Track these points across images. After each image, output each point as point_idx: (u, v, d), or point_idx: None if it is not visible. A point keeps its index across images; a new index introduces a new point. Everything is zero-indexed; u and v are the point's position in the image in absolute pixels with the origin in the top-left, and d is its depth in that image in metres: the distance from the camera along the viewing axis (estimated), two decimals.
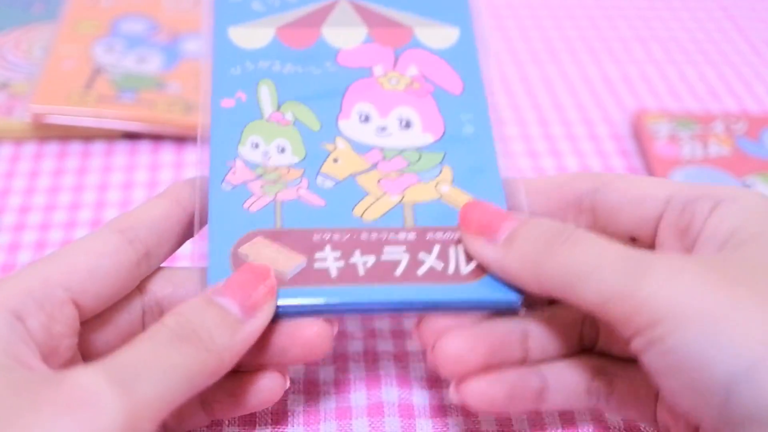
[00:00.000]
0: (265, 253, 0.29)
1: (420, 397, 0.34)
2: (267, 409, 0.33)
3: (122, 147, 0.46)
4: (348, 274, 0.29)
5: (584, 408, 0.32)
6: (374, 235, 0.30)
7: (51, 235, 0.41)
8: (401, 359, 0.35)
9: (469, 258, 0.29)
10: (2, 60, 0.50)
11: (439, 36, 0.36)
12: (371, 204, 0.31)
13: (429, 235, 0.30)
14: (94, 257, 0.28)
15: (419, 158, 0.32)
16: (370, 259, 0.29)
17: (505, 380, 0.29)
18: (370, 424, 0.33)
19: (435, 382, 0.35)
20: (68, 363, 0.27)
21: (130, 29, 0.51)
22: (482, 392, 0.29)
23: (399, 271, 0.29)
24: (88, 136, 0.47)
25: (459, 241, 0.30)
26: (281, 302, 0.28)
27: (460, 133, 0.33)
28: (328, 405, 0.33)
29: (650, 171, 0.45)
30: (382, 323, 0.37)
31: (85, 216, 0.42)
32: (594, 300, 0.26)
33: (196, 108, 0.45)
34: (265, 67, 0.34)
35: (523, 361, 0.30)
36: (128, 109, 0.46)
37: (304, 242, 0.30)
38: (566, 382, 0.31)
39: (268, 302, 0.27)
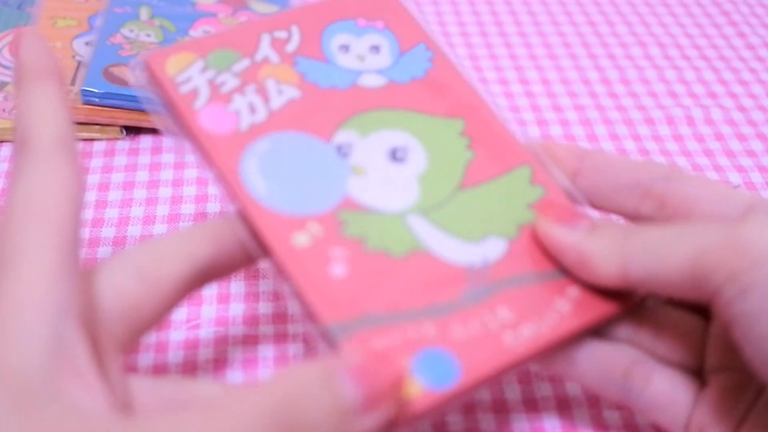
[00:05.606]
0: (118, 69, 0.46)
1: None
2: None
3: (123, 146, 0.47)
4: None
5: (612, 397, 0.31)
6: None
7: None
8: None
9: None
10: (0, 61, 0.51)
11: (264, 7, 0.55)
12: None
13: None
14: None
15: None
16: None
17: None
18: None
19: None
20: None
21: None
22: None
23: None
24: (85, 133, 0.47)
25: None
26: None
27: None
28: None
29: (206, 169, 0.31)
30: None
31: (86, 215, 0.42)
32: (687, 253, 0.25)
33: None
34: (147, 0, 0.53)
35: None
36: None
37: None
38: (604, 359, 0.30)
39: (394, 394, 0.24)
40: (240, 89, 0.31)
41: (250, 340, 0.36)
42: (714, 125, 0.50)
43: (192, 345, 0.36)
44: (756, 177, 0.46)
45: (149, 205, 0.43)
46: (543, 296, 0.29)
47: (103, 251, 0.40)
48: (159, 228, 0.41)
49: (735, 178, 0.46)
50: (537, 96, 0.52)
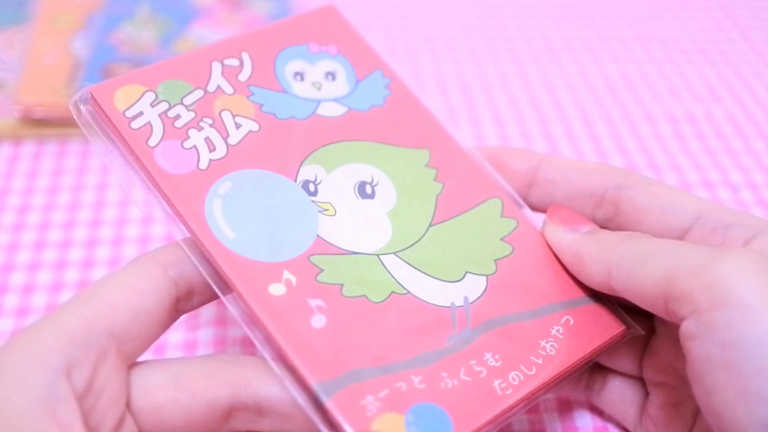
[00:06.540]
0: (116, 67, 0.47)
1: None
2: None
3: None
4: None
5: (578, 397, 0.33)
6: None
7: (50, 234, 0.41)
8: None
9: None
10: None
11: (262, 5, 0.54)
12: None
13: None
14: (137, 295, 0.25)
15: None
16: None
17: None
18: None
19: None
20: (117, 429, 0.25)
21: None
22: None
23: None
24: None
25: None
26: None
27: None
28: None
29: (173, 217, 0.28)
30: None
31: (85, 216, 0.42)
32: (661, 274, 0.25)
33: None
34: None
35: None
36: None
37: None
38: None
39: None
40: (195, 123, 0.29)
41: (249, 341, 0.36)
42: (715, 125, 0.50)
43: (192, 345, 0.36)
44: (757, 177, 0.46)
45: (149, 206, 0.43)
46: (529, 337, 0.28)
47: (102, 251, 0.40)
48: (158, 228, 0.41)
49: (737, 177, 0.46)
50: (537, 95, 0.52)
